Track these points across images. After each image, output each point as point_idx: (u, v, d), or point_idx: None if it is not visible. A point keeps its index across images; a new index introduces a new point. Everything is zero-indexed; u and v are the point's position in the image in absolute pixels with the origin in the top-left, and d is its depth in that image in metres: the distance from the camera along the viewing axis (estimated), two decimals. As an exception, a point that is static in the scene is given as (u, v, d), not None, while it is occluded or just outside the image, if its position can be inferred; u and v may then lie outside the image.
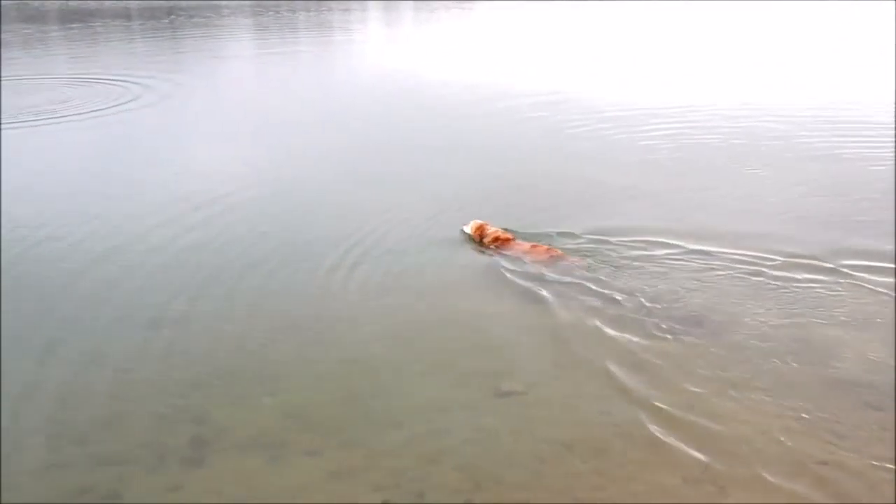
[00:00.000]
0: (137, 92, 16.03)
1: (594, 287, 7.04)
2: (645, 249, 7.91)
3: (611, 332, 6.28)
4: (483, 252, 7.98)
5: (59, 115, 13.98)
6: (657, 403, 5.29)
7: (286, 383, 5.72)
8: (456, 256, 7.89)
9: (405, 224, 8.72)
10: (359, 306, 6.88)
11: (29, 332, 6.40)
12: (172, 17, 31.46)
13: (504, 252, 7.84)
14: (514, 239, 7.98)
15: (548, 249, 7.69)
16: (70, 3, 37.95)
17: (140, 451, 4.93)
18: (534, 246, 7.77)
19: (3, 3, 35.00)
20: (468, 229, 8.22)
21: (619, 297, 6.84)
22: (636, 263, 7.59)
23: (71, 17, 32.35)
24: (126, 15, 33.27)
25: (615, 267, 7.52)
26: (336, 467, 4.78)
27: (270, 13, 33.03)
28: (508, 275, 7.38)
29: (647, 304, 6.72)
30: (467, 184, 10.34)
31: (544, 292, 6.99)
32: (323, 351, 6.18)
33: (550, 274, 7.35)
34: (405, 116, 14.53)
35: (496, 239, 7.96)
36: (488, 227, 8.12)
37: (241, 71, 19.63)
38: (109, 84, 16.89)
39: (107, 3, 36.47)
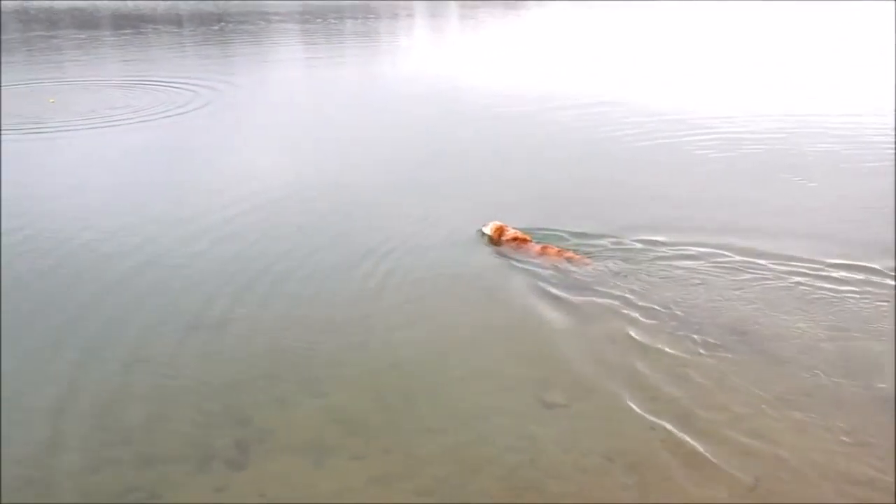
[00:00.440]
0: (189, 96, 16.30)
1: (634, 297, 6.99)
2: (686, 257, 7.87)
3: (653, 343, 6.23)
4: (500, 252, 8.12)
5: (114, 119, 14.24)
6: (700, 419, 5.23)
7: (329, 386, 5.75)
8: (496, 263, 7.88)
9: (445, 228, 8.75)
10: (399, 310, 6.91)
11: (73, 334, 6.51)
12: (222, 23, 31.97)
13: (520, 252, 8.00)
14: (530, 241, 8.15)
15: (559, 251, 7.87)
16: (123, 5, 38.78)
17: (184, 453, 5.00)
18: (545, 247, 7.97)
19: (55, 6, 35.86)
20: (487, 230, 8.41)
21: (659, 308, 6.79)
22: (677, 272, 7.54)
23: (123, 23, 33.06)
24: (177, 21, 33.89)
25: (656, 275, 7.47)
26: (378, 472, 4.80)
27: (318, 20, 33.37)
28: (545, 282, 7.34)
29: (689, 315, 6.66)
30: (508, 189, 10.36)
31: (584, 300, 6.95)
32: (365, 355, 6.20)
33: (589, 282, 7.33)
34: (450, 121, 14.55)
35: (514, 239, 8.17)
36: (507, 228, 8.31)
37: (289, 76, 19.82)
38: (163, 88, 17.20)
39: (159, 9, 37.18)
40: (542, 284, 7.31)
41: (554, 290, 7.19)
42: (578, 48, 25.56)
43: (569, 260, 7.75)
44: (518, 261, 7.83)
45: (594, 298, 7.00)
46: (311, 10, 38.23)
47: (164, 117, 14.46)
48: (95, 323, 6.69)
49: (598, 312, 6.76)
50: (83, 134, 13.31)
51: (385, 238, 8.43)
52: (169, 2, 40.28)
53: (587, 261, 7.74)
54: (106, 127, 13.75)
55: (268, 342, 6.37)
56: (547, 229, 8.62)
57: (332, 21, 33.27)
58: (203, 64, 21.51)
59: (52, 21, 33.65)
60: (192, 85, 17.75)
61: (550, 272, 7.55)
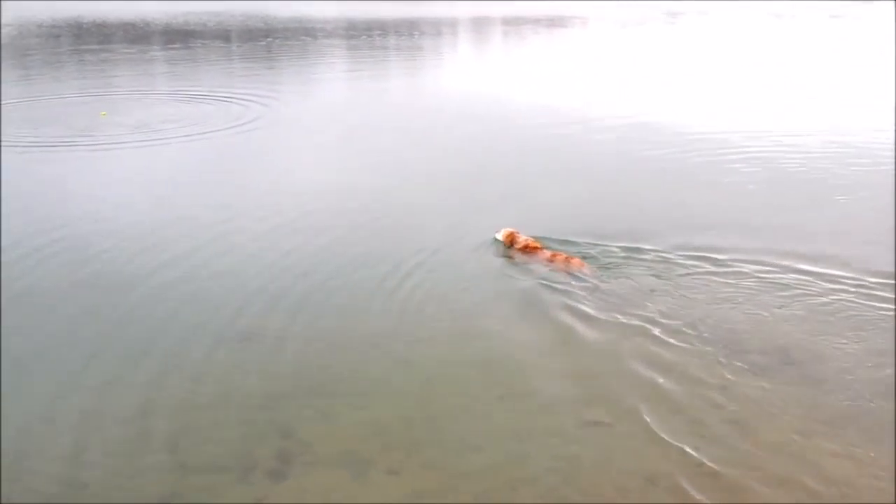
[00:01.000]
0: (237, 110, 16.53)
1: (672, 314, 6.99)
2: (726, 274, 7.87)
3: (693, 363, 6.20)
4: (510, 257, 8.37)
5: (164, 133, 14.51)
6: (743, 444, 5.17)
7: (370, 401, 5.79)
8: (530, 279, 7.85)
9: (485, 245, 8.77)
10: (440, 327, 6.94)
11: (118, 341, 6.63)
12: (269, 39, 32.46)
13: (530, 258, 8.25)
14: (541, 248, 8.37)
15: (566, 258, 8.11)
16: (173, 20, 39.61)
17: (228, 462, 5.07)
18: (554, 254, 8.21)
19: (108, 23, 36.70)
20: (499, 236, 8.66)
21: (699, 326, 6.77)
22: (716, 288, 7.54)
23: (173, 38, 33.75)
24: (225, 36, 34.50)
25: (695, 292, 7.47)
26: (417, 488, 4.82)
27: (363, 37, 33.73)
28: (578, 300, 7.32)
29: (729, 334, 6.62)
30: (545, 203, 10.40)
31: (620, 318, 6.93)
32: (405, 370, 6.24)
33: (625, 298, 7.31)
34: (490, 137, 14.56)
35: (526, 246, 8.41)
36: (519, 235, 8.56)
37: (333, 91, 20.07)
38: (212, 102, 17.50)
39: (209, 25, 37.91)
40: (574, 302, 7.31)
41: (587, 308, 7.18)
42: (618, 66, 25.47)
43: (576, 266, 7.98)
44: (551, 279, 7.81)
45: (630, 316, 6.98)
46: (356, 25, 38.67)
47: (212, 131, 14.68)
48: (140, 331, 6.81)
49: (635, 330, 6.73)
50: (132, 147, 13.56)
51: (429, 254, 8.48)
52: (218, 18, 41.03)
53: (592, 267, 7.98)
54: (156, 141, 13.98)
55: (310, 355, 6.44)
56: (580, 242, 8.69)
57: (377, 37, 33.62)
58: (251, 78, 21.84)
59: (104, 35, 34.50)
60: (241, 99, 18.03)
61: (583, 289, 7.54)
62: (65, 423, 5.46)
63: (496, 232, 8.77)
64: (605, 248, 8.55)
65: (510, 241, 8.56)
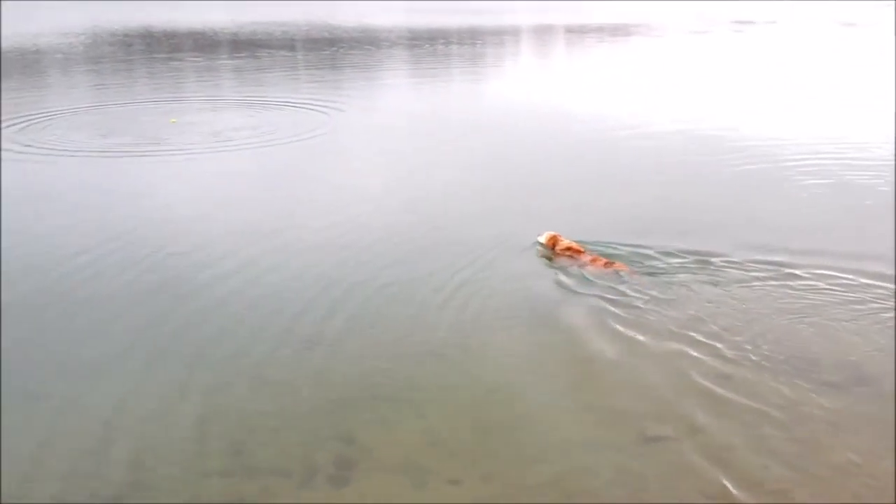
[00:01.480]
0: (303, 118, 16.78)
1: (733, 325, 6.85)
2: (784, 284, 7.72)
3: (758, 376, 6.06)
4: (551, 260, 8.50)
5: (230, 140, 14.78)
6: (812, 465, 5.03)
7: (431, 409, 5.79)
8: (588, 289, 7.76)
9: (533, 251, 8.76)
10: (501, 336, 6.91)
11: (183, 346, 6.74)
12: (334, 48, 32.90)
13: (572, 261, 8.35)
14: (583, 251, 8.45)
15: (607, 262, 8.20)
16: (240, 30, 40.44)
17: (290, 466, 5.12)
18: (595, 258, 8.30)
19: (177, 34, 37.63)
20: (542, 239, 8.77)
21: (760, 338, 6.63)
22: (776, 298, 7.42)
23: (240, 47, 34.45)
24: (291, 45, 35.08)
25: (754, 301, 7.35)
26: (476, 498, 4.79)
27: (426, 46, 33.94)
28: (634, 309, 7.23)
29: (793, 346, 6.50)
30: (602, 211, 10.35)
31: (681, 330, 6.81)
32: (466, 379, 6.23)
33: (682, 309, 7.21)
34: (549, 145, 14.46)
35: (568, 249, 8.53)
36: (561, 238, 8.65)
37: (396, 99, 20.21)
38: (279, 109, 17.79)
39: (275, 34, 38.62)
40: (630, 311, 7.22)
41: (645, 318, 7.09)
42: (681, 74, 25.10)
43: (616, 270, 8.07)
44: (603, 287, 7.73)
45: (690, 327, 6.86)
46: (419, 35, 38.93)
47: (277, 138, 14.90)
48: (204, 336, 6.92)
49: (695, 342, 6.60)
50: (201, 154, 13.83)
51: (486, 263, 8.48)
52: (284, 28, 41.78)
53: (633, 270, 8.03)
54: (223, 148, 14.23)
55: (370, 362, 6.47)
56: (632, 245, 8.71)
57: (439, 45, 33.79)
58: (316, 86, 22.17)
59: (173, 44, 35.42)
60: (306, 106, 18.28)
61: (640, 299, 7.44)
62: (130, 426, 5.58)
63: (538, 235, 8.87)
64: (661, 254, 8.48)
65: (552, 244, 8.66)
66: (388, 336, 6.92)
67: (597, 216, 10.20)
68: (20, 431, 5.51)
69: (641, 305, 7.33)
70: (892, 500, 4.62)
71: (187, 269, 8.38)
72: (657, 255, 8.49)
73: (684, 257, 8.42)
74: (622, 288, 7.71)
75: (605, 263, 8.19)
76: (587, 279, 7.97)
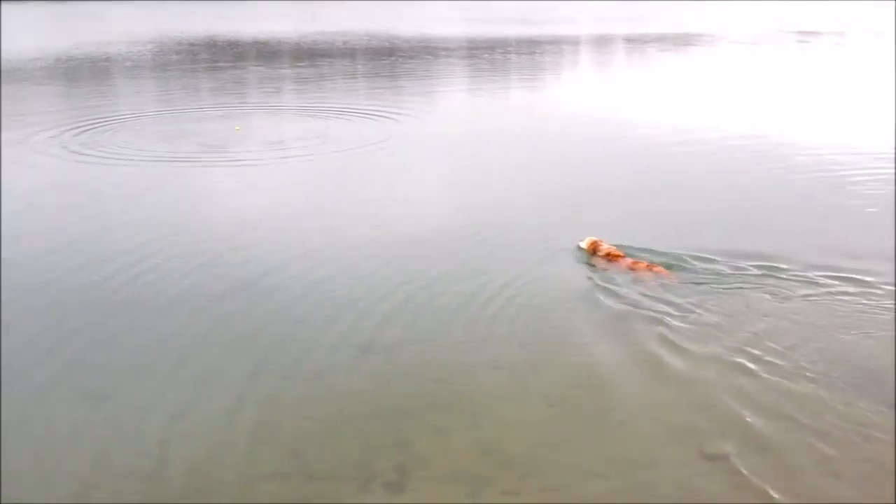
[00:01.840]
0: (362, 126, 16.92)
1: (795, 344, 6.70)
2: (855, 301, 7.55)
3: (823, 396, 5.91)
4: (592, 265, 8.60)
5: (291, 148, 14.98)
6: (885, 487, 4.87)
7: (487, 419, 5.78)
8: (646, 302, 7.65)
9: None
10: (553, 347, 6.88)
11: (248, 352, 6.84)
12: (393, 58, 33.18)
13: (613, 266, 8.45)
14: (623, 256, 8.58)
15: (648, 266, 8.31)
16: (302, 40, 41.07)
17: (348, 471, 5.17)
18: (635, 262, 8.41)
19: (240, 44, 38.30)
20: (583, 244, 8.90)
21: (827, 357, 6.46)
22: (852, 318, 7.21)
23: (302, 56, 34.96)
24: (351, 55, 35.47)
25: (813, 314, 7.25)
26: (533, 511, 4.77)
27: (485, 55, 34.00)
28: (687, 322, 7.13)
29: (866, 366, 6.32)
30: (659, 220, 10.28)
31: (739, 345, 6.70)
32: (523, 390, 6.21)
33: (740, 320, 7.11)
34: (607, 154, 14.29)
35: (608, 254, 8.65)
36: (602, 243, 8.78)
37: (453, 108, 20.23)
38: (339, 118, 17.99)
39: (336, 44, 39.12)
40: (685, 324, 7.12)
41: (701, 330, 6.99)
42: (744, 85, 24.64)
43: (657, 274, 8.16)
44: (655, 299, 7.64)
45: (749, 341, 6.76)
46: (478, 44, 39.03)
47: (335, 146, 15.04)
48: (264, 342, 7.02)
49: (755, 358, 6.48)
50: (262, 162, 14.04)
51: (545, 273, 8.46)
52: (345, 38, 42.30)
53: (673, 275, 8.12)
54: (286, 156, 14.40)
55: (426, 370, 6.50)
56: (693, 256, 8.64)
57: (498, 55, 33.82)
58: (377, 95, 22.35)
59: (237, 53, 36.11)
60: (365, 115, 18.45)
61: (693, 310, 7.36)
62: (190, 429, 5.69)
63: (580, 241, 8.97)
64: (718, 264, 8.43)
65: (593, 249, 8.79)
66: (442, 344, 6.94)
67: (652, 223, 10.13)
68: (83, 432, 5.67)
69: (697, 318, 7.24)
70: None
71: (247, 276, 8.50)
72: (714, 265, 8.41)
73: (742, 267, 8.33)
74: (675, 299, 7.64)
75: (646, 267, 8.30)
76: (638, 290, 7.90)
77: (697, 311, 7.36)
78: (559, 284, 8.19)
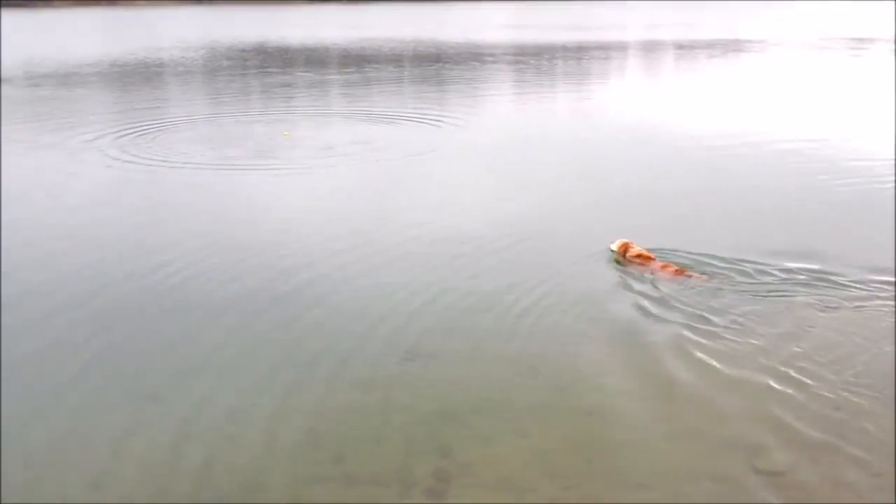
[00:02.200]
0: (409, 132, 16.99)
1: (845, 359, 6.49)
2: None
3: (875, 409, 5.74)
4: (623, 267, 8.65)
5: (345, 154, 15.06)
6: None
7: (530, 427, 5.73)
8: (687, 309, 7.50)
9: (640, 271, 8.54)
10: (601, 355, 6.80)
11: (293, 355, 6.89)
12: (440, 64, 33.28)
13: (642, 268, 8.51)
14: (653, 258, 8.63)
15: (677, 270, 8.35)
16: (350, 46, 41.43)
17: (389, 476, 5.15)
18: (665, 265, 8.47)
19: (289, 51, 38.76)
20: (614, 247, 8.97)
21: (878, 370, 6.26)
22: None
23: (349, 62, 35.26)
24: (398, 61, 35.68)
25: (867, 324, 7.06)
26: (577, 522, 4.70)
27: (531, 62, 33.92)
28: (741, 334, 6.94)
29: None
30: (707, 225, 10.17)
31: (789, 357, 6.52)
32: (566, 398, 6.14)
33: (793, 333, 6.94)
34: (656, 161, 14.08)
35: (638, 255, 8.71)
36: (632, 245, 8.84)
37: (499, 114, 20.20)
38: (388, 123, 18.08)
39: (383, 50, 39.39)
40: (729, 333, 6.97)
41: (749, 341, 6.83)
42: (796, 91, 24.19)
43: (687, 277, 8.22)
44: (697, 306, 7.51)
45: (800, 353, 6.59)
46: (525, 51, 38.95)
47: (385, 152, 15.10)
48: (307, 346, 7.04)
49: (808, 372, 6.29)
50: (310, 167, 14.14)
51: (576, 276, 8.46)
52: (391, 44, 42.56)
53: (704, 278, 8.14)
54: (335, 162, 14.48)
55: (474, 377, 6.46)
56: (732, 260, 8.59)
57: (545, 61, 33.71)
58: (421, 100, 22.42)
59: (286, 59, 36.57)
60: (415, 120, 18.54)
61: (737, 318, 7.22)
62: (235, 432, 5.74)
63: (611, 243, 9.02)
64: (755, 269, 8.35)
65: (623, 251, 8.83)
66: (483, 350, 6.90)
67: (695, 227, 10.10)
68: (132, 433, 5.74)
69: (740, 326, 7.09)
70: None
71: (293, 283, 8.52)
72: (751, 269, 8.32)
73: (783, 273, 8.20)
74: (714, 304, 7.52)
75: (676, 271, 8.33)
76: (675, 295, 7.81)
77: (738, 317, 7.23)
78: (600, 291, 8.11)
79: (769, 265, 8.39)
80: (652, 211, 10.98)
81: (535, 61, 34.04)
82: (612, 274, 8.55)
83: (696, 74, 30.08)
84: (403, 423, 5.80)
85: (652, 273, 8.38)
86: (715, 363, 6.49)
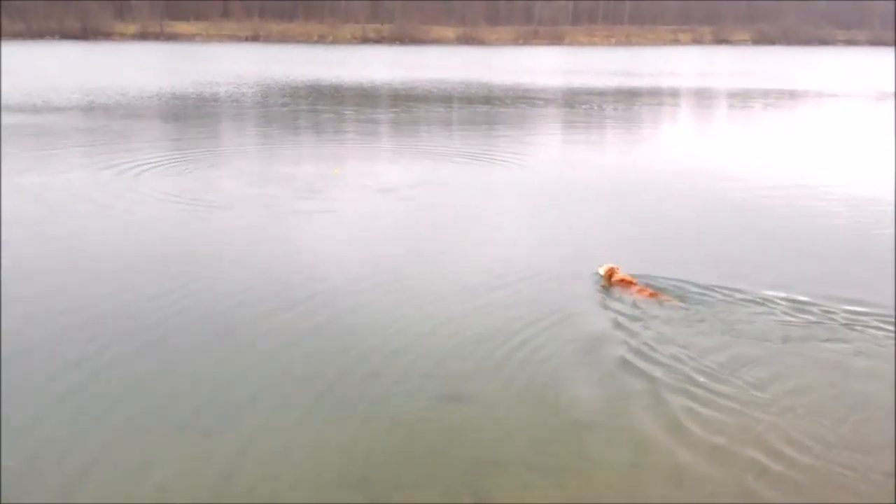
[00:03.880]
0: (455, 170, 17.07)
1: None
2: None
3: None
4: (608, 289, 9.38)
5: (392, 191, 15.20)
6: None
7: (570, 480, 5.66)
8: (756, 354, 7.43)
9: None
10: (646, 402, 6.73)
11: (334, 389, 6.95)
12: (489, 105, 33.46)
13: (625, 292, 9.22)
14: (635, 282, 9.35)
15: (651, 293, 9.13)
16: (401, 86, 41.95)
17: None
18: (642, 289, 9.21)
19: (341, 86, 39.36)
20: (601, 271, 9.72)
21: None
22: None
23: (398, 102, 35.66)
24: (447, 100, 35.97)
25: None
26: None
27: (583, 105, 33.96)
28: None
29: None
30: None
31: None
32: (608, 450, 6.06)
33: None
34: (702, 208, 13.89)
35: (622, 280, 9.45)
36: (618, 270, 9.59)
37: (546, 156, 20.15)
38: (433, 161, 18.20)
39: (434, 91, 39.81)
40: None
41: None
42: (851, 142, 23.75)
43: (659, 301, 8.95)
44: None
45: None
46: (576, 95, 39.03)
47: (435, 191, 15.24)
48: (348, 382, 7.10)
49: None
50: (354, 202, 14.25)
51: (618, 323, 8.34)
52: (442, 86, 43.02)
53: (676, 303, 8.87)
54: (382, 198, 14.61)
55: (516, 424, 6.42)
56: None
57: (595, 106, 33.69)
58: (469, 141, 22.52)
59: (337, 97, 37.12)
60: (464, 159, 18.68)
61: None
62: (277, 470, 5.74)
63: (599, 267, 9.77)
64: (741, 298, 8.93)
65: (609, 276, 9.58)
66: (527, 396, 6.87)
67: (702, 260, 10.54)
68: (164, 462, 5.82)
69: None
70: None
71: (335, 318, 8.62)
72: (735, 298, 8.94)
73: (770, 302, 8.80)
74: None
75: (650, 294, 9.10)
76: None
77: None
78: (645, 347, 7.94)
79: (763, 296, 8.99)
80: (684, 248, 11.30)
81: (585, 105, 34.06)
82: (658, 324, 8.38)
83: (748, 122, 29.75)
84: (440, 466, 5.79)
85: (631, 295, 9.12)
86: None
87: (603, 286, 9.47)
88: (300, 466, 5.75)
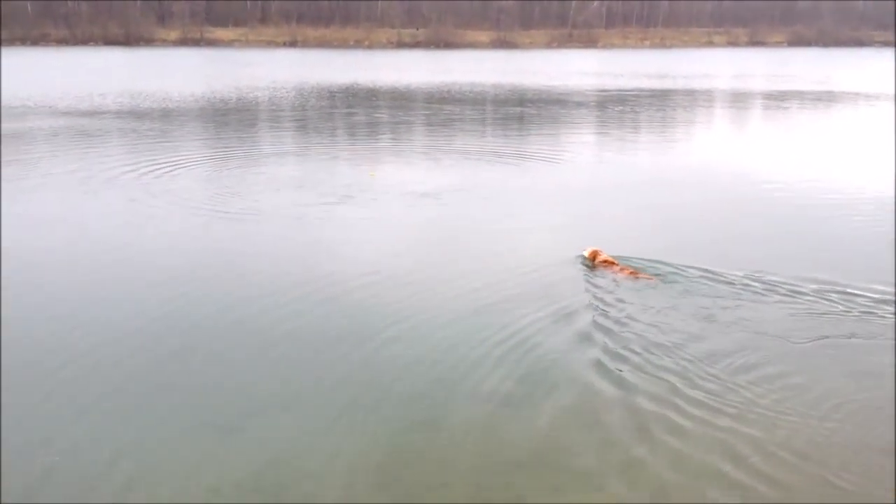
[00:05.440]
0: (490, 172, 17.24)
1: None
2: None
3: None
4: (592, 269, 10.23)
5: (426, 195, 15.30)
6: None
7: (606, 482, 5.78)
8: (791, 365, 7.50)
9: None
10: (653, 408, 6.82)
11: (368, 391, 7.12)
12: (522, 108, 33.63)
13: (608, 271, 10.09)
14: (616, 263, 10.20)
15: (632, 272, 10.00)
16: (436, 90, 42.24)
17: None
18: (623, 268, 10.08)
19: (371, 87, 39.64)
20: (585, 253, 10.58)
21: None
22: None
23: (431, 102, 35.89)
24: (481, 102, 36.15)
25: None
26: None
27: (617, 108, 33.97)
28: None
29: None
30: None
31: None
32: (646, 453, 6.16)
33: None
34: (731, 210, 13.95)
35: (604, 261, 10.32)
36: (601, 253, 10.45)
37: (575, 156, 20.16)
38: (479, 163, 18.42)
39: (468, 94, 40.04)
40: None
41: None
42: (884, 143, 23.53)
43: (637, 276, 9.86)
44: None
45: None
46: (609, 96, 39.04)
47: (471, 193, 15.34)
48: (382, 385, 7.25)
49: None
50: (391, 204, 14.33)
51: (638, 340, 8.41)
52: (476, 89, 43.21)
53: (651, 279, 9.77)
54: (416, 203, 14.69)
55: (544, 427, 6.55)
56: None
57: (629, 107, 33.67)
58: (504, 142, 22.68)
59: (372, 100, 37.48)
60: (496, 160, 18.83)
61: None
62: (309, 472, 5.93)
63: (582, 250, 10.62)
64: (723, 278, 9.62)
65: (593, 257, 10.43)
66: (560, 400, 6.97)
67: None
68: (194, 463, 6.04)
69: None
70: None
71: (367, 320, 8.76)
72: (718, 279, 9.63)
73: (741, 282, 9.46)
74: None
75: (630, 272, 9.94)
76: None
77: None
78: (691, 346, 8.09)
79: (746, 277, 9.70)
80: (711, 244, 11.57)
81: (618, 107, 34.07)
82: (682, 322, 8.47)
83: (784, 124, 29.57)
84: (474, 468, 5.93)
85: (613, 274, 9.93)
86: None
87: (587, 265, 10.31)
88: (330, 466, 5.92)
